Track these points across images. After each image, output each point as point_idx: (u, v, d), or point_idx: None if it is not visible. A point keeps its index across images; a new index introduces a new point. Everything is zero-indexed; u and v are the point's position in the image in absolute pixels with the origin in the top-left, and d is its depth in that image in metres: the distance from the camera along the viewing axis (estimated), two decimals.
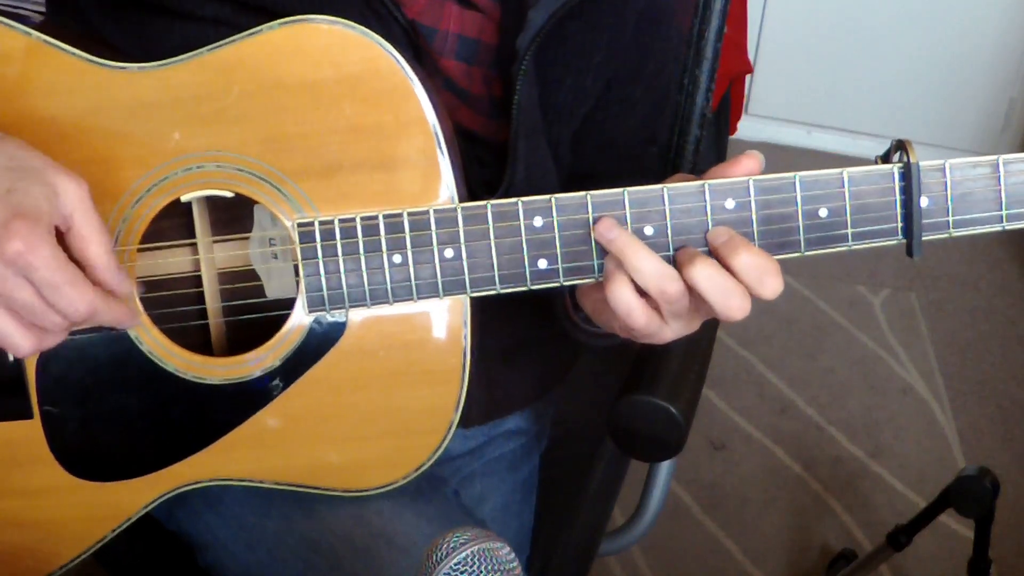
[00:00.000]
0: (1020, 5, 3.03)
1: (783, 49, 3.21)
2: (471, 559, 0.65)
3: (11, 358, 0.86)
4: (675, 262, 0.78)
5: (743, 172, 0.79)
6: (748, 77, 2.97)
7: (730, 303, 0.76)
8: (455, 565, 0.65)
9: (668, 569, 1.99)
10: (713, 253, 0.78)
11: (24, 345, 0.75)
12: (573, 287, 0.90)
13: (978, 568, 1.61)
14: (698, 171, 1.23)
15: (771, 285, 0.76)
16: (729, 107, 2.51)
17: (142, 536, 0.93)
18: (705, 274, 0.76)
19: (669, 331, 0.81)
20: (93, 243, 0.75)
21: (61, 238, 0.75)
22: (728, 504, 2.13)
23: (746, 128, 3.15)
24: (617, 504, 1.26)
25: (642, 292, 0.78)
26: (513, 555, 0.67)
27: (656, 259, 0.77)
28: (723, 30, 1.18)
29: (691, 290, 0.77)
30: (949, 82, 3.16)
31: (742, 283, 0.76)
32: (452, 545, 0.66)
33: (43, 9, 0.99)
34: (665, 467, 1.22)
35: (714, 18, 1.18)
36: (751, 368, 2.46)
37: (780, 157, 3.23)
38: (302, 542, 0.94)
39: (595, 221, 0.79)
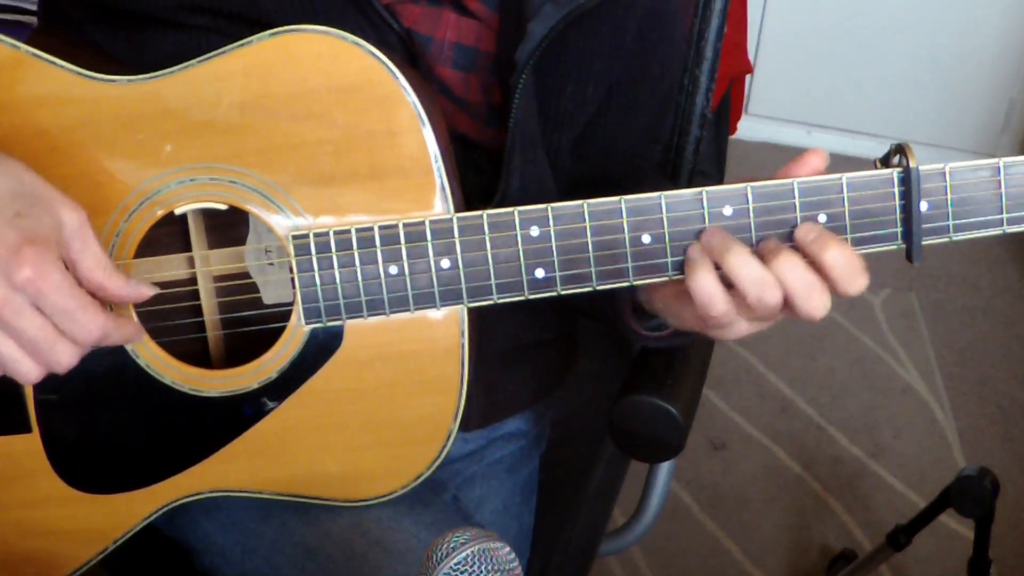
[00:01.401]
0: (1020, 5, 3.03)
1: (783, 49, 3.21)
2: (471, 559, 0.65)
3: None
4: (760, 255, 0.77)
5: (809, 171, 0.78)
6: (748, 77, 2.96)
7: (812, 301, 0.75)
8: (455, 565, 0.65)
9: (668, 569, 2.00)
10: (802, 249, 0.77)
11: (32, 372, 0.75)
12: (635, 291, 0.89)
13: (978, 568, 1.61)
14: (697, 171, 1.24)
15: (860, 282, 0.76)
16: (729, 107, 2.51)
17: (142, 540, 0.93)
18: (791, 270, 0.75)
19: (744, 326, 0.80)
20: (94, 271, 0.75)
21: None
22: (728, 504, 2.13)
23: (746, 128, 3.15)
24: (617, 504, 1.26)
25: (725, 282, 0.77)
26: (513, 555, 0.67)
27: (758, 265, 0.76)
28: (723, 30, 1.18)
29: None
30: (949, 82, 3.15)
31: (831, 279, 0.75)
32: (452, 545, 0.66)
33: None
34: (665, 467, 1.22)
35: (714, 18, 1.17)
36: (751, 368, 2.46)
37: (780, 157, 3.21)
38: (299, 549, 0.93)
39: (699, 234, 0.78)
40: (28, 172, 0.75)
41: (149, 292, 0.78)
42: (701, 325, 0.82)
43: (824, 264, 0.75)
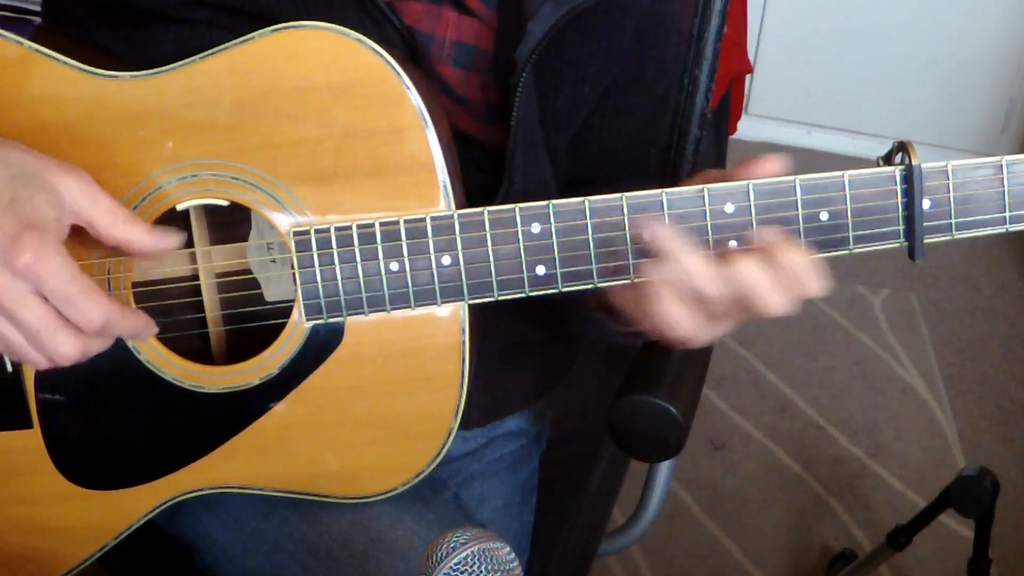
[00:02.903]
0: (1020, 5, 3.03)
1: (783, 49, 3.21)
2: (471, 559, 0.65)
3: (9, 368, 0.86)
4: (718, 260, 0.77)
5: (765, 173, 0.78)
6: (748, 77, 2.97)
7: (773, 298, 0.75)
8: (455, 565, 0.65)
9: (668, 569, 2.00)
10: (761, 252, 0.77)
11: (40, 361, 0.75)
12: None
13: (978, 568, 1.61)
14: (697, 171, 1.23)
15: (817, 284, 0.76)
16: (729, 107, 2.51)
17: (142, 538, 0.93)
18: (751, 270, 0.75)
19: (706, 334, 0.80)
20: (115, 226, 0.75)
21: (86, 234, 0.74)
22: (728, 504, 2.13)
23: (746, 128, 3.15)
24: (617, 504, 1.26)
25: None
26: (513, 555, 0.67)
27: (703, 261, 0.77)
28: (723, 30, 1.18)
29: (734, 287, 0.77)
30: (949, 82, 3.15)
31: (791, 280, 0.76)
32: (452, 545, 0.66)
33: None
34: (665, 467, 1.22)
35: (714, 18, 1.17)
36: (751, 368, 2.46)
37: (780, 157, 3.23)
38: (300, 546, 0.93)
39: (634, 224, 0.78)
40: (19, 151, 0.74)
41: (175, 240, 0.78)
42: (661, 335, 0.82)
43: (783, 265, 0.75)
